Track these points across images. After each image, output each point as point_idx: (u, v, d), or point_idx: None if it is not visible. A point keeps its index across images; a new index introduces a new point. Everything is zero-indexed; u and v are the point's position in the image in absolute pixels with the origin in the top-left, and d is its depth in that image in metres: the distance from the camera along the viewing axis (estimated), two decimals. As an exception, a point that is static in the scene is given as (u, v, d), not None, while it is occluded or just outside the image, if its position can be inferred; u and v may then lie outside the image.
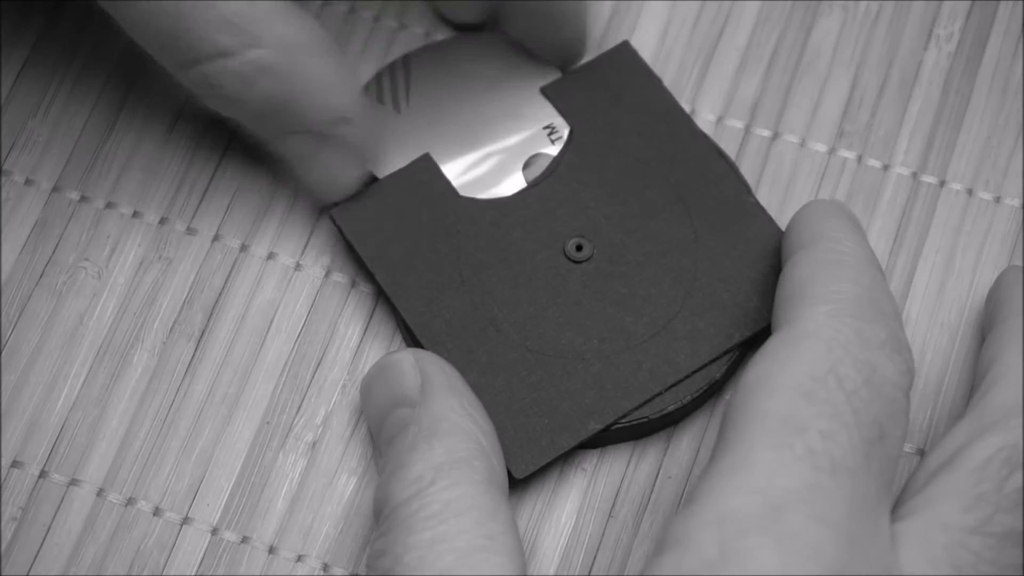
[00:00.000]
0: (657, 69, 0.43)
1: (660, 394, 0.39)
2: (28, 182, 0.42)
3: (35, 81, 0.43)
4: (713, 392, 0.40)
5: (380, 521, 0.36)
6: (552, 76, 0.42)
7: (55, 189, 0.42)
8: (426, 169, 0.41)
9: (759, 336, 0.39)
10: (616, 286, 0.40)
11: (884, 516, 0.34)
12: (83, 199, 0.42)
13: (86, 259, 0.41)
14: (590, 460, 0.40)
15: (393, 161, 0.41)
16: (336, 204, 0.41)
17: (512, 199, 0.41)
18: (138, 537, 0.39)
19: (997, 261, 0.41)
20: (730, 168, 0.41)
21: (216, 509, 0.39)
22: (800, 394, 0.34)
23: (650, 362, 0.39)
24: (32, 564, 0.38)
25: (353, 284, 0.41)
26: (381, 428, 0.38)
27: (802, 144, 0.43)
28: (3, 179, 0.42)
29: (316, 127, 0.39)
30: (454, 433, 0.36)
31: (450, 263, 0.40)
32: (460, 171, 0.41)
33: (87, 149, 0.42)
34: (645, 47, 0.44)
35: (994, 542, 0.33)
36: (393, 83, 0.42)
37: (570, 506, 0.39)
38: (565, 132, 0.41)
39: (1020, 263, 0.41)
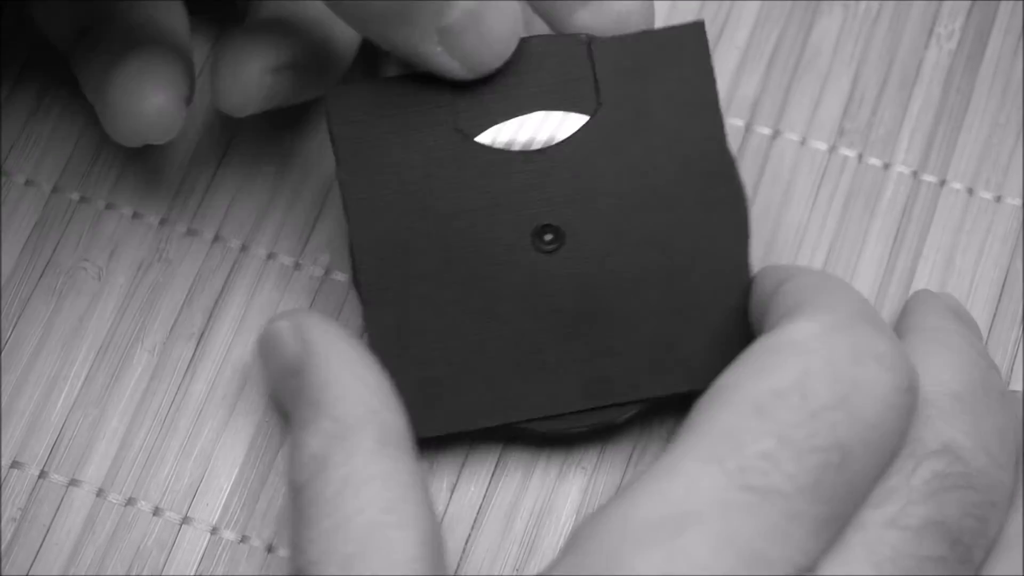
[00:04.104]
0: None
1: (589, 411, 0.38)
2: (28, 183, 0.42)
3: (35, 81, 0.43)
4: (645, 415, 0.39)
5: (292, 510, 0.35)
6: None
7: (55, 190, 0.42)
8: (433, 86, 0.38)
9: (693, 395, 0.35)
10: (569, 287, 0.38)
11: (818, 542, 0.32)
12: (83, 200, 0.42)
13: (86, 260, 0.41)
14: (590, 460, 0.40)
15: None
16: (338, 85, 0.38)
17: (506, 159, 0.38)
18: (138, 537, 0.39)
19: (998, 260, 0.41)
20: (735, 202, 0.38)
21: (215, 509, 0.39)
22: (752, 408, 0.32)
23: (588, 374, 0.38)
24: (32, 564, 0.38)
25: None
26: (278, 403, 0.37)
27: (803, 142, 0.43)
28: (3, 180, 0.42)
29: None
30: (340, 399, 0.36)
31: (420, 209, 0.38)
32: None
33: (87, 150, 0.42)
34: (645, 46, 0.44)
35: (911, 535, 0.32)
36: None
37: (570, 506, 0.39)
38: (590, 102, 0.39)
39: (1020, 262, 0.41)
